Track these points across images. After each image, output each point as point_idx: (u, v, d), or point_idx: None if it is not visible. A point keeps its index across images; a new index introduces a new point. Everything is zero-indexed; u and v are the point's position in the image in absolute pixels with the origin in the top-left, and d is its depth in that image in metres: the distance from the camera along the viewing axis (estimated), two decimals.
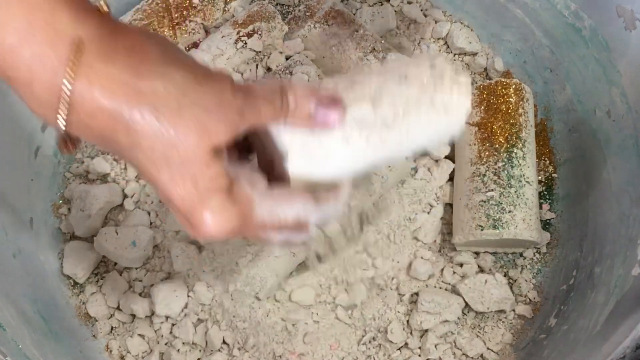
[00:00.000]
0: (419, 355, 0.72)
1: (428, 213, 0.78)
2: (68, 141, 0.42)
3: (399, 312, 0.74)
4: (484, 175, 0.74)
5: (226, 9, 0.88)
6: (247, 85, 0.43)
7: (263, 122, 0.43)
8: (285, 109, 0.43)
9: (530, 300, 0.76)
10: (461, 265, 0.76)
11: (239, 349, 0.70)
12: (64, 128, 0.38)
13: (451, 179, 0.79)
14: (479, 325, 0.75)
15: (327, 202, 0.47)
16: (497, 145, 0.75)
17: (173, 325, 0.72)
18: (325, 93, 0.45)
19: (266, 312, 0.71)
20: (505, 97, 0.77)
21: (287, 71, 0.78)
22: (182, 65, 0.40)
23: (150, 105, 0.38)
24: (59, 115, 0.37)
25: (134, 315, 0.74)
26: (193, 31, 0.84)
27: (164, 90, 0.38)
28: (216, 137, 0.40)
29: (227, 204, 0.42)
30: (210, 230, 0.42)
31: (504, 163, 0.74)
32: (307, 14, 0.85)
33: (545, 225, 0.80)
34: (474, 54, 0.89)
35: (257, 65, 0.83)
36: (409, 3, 0.91)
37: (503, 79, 0.79)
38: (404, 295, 0.75)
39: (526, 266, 0.78)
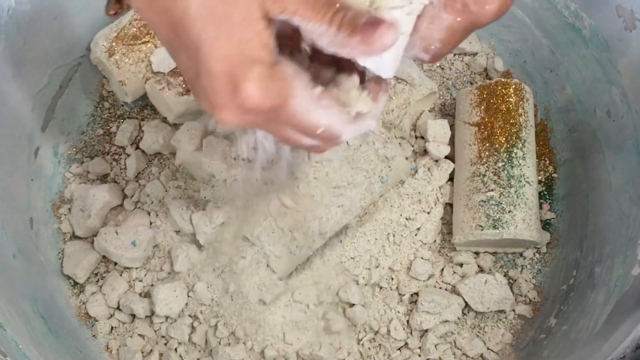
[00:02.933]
0: (419, 355, 0.72)
1: (428, 213, 0.78)
2: (116, 2, 0.42)
3: (399, 312, 0.74)
4: (484, 175, 0.74)
5: None
6: None
7: (311, 15, 0.41)
8: (339, 16, 0.41)
9: (530, 300, 0.76)
10: (461, 265, 0.76)
11: (239, 349, 0.70)
12: None
13: (451, 179, 0.79)
14: (479, 325, 0.75)
15: (363, 121, 0.45)
16: (497, 145, 0.75)
17: (171, 325, 0.72)
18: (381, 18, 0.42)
19: (267, 312, 0.71)
20: (505, 97, 0.77)
21: None
22: None
23: None
24: None
25: (134, 315, 0.74)
26: None
27: None
28: (269, 2, 0.40)
29: (268, 77, 0.40)
30: (245, 99, 0.40)
31: (504, 163, 0.74)
32: None
33: (545, 225, 0.80)
34: (474, 54, 0.89)
35: None
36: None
37: (503, 79, 0.79)
38: (404, 295, 0.75)
39: (526, 266, 0.78)
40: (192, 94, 0.43)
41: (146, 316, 0.73)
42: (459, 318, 0.73)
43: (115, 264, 0.76)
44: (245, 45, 0.40)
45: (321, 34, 0.42)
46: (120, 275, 0.76)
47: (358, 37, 0.41)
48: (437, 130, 0.79)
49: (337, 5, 0.41)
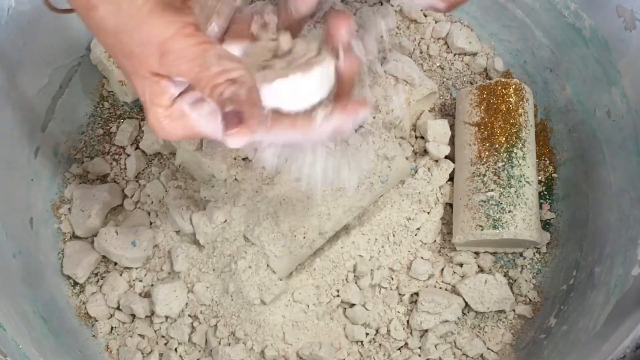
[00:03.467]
0: (419, 355, 0.72)
1: (428, 213, 0.78)
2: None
3: (399, 312, 0.74)
4: (484, 175, 0.74)
5: None
6: (201, 45, 0.44)
7: (193, 83, 0.45)
8: (217, 92, 0.43)
9: (530, 300, 0.76)
10: (461, 265, 0.76)
11: (239, 349, 0.70)
12: None
13: (451, 179, 0.79)
14: (479, 325, 0.75)
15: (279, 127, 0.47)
16: (497, 145, 0.75)
17: (171, 325, 0.72)
18: (252, 113, 0.44)
19: (267, 312, 0.71)
20: (505, 97, 0.77)
21: None
22: None
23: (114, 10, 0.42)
24: None
25: (134, 315, 0.74)
26: None
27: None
28: (151, 67, 0.44)
29: (164, 117, 0.46)
30: (155, 132, 0.47)
31: (504, 163, 0.74)
32: None
33: (545, 225, 0.80)
34: (474, 54, 0.89)
35: None
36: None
37: (503, 79, 0.79)
38: (404, 295, 0.75)
39: (526, 266, 0.78)
40: None
41: (146, 316, 0.73)
42: (459, 318, 0.73)
43: (115, 264, 0.76)
44: (144, 92, 0.45)
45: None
46: (120, 275, 0.75)
47: (222, 120, 0.44)
48: (437, 130, 0.79)
49: (219, 80, 0.43)
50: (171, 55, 0.43)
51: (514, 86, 0.78)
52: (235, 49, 0.48)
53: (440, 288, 0.76)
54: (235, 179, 0.72)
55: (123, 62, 0.45)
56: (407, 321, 0.74)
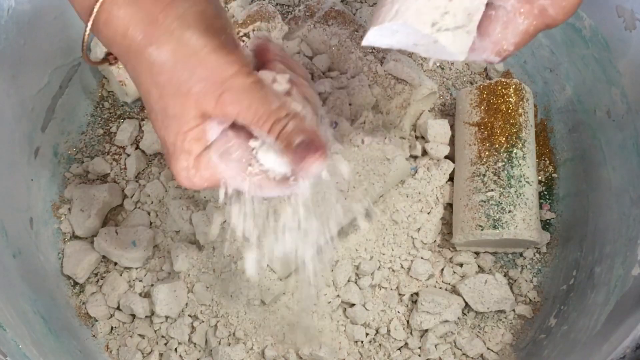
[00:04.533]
0: (419, 355, 0.72)
1: (428, 213, 0.77)
2: (86, 50, 0.48)
3: (399, 312, 0.74)
4: (484, 175, 0.74)
5: (226, 8, 0.88)
6: (259, 83, 0.45)
7: (250, 121, 0.45)
8: (278, 127, 0.45)
9: (530, 300, 0.76)
10: (461, 265, 0.76)
11: (239, 349, 0.70)
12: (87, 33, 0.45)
13: (451, 179, 0.79)
14: (479, 325, 0.75)
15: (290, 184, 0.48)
16: (497, 145, 0.75)
17: (171, 325, 0.72)
18: (321, 141, 0.45)
19: (267, 312, 0.71)
20: (505, 97, 0.77)
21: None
22: (202, 30, 0.43)
23: (165, 53, 0.43)
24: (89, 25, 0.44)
25: (134, 315, 0.74)
26: None
27: (173, 49, 0.43)
28: (206, 108, 0.44)
29: (192, 167, 0.46)
30: (179, 180, 0.47)
31: (504, 163, 0.74)
32: (307, 14, 0.85)
33: (545, 225, 0.80)
34: None
35: None
36: None
37: (503, 79, 0.79)
38: (404, 295, 0.75)
39: (526, 266, 0.78)
40: None
41: (146, 316, 0.73)
42: (459, 318, 0.73)
43: (115, 264, 0.76)
44: (177, 137, 0.45)
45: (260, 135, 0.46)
46: (120, 275, 0.75)
47: (290, 155, 0.45)
48: (437, 130, 0.79)
49: (281, 114, 0.44)
50: (232, 93, 0.44)
51: (514, 86, 0.78)
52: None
53: (440, 288, 0.76)
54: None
55: (170, 102, 0.44)
56: (407, 321, 0.74)
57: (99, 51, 0.78)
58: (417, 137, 0.82)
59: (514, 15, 0.45)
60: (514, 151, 0.75)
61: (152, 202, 0.79)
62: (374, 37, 0.45)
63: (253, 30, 0.82)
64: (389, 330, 0.73)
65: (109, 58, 0.50)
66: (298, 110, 0.46)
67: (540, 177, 0.82)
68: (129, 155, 0.82)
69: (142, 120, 0.84)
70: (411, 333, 0.73)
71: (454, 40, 0.44)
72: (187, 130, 0.45)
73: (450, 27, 0.43)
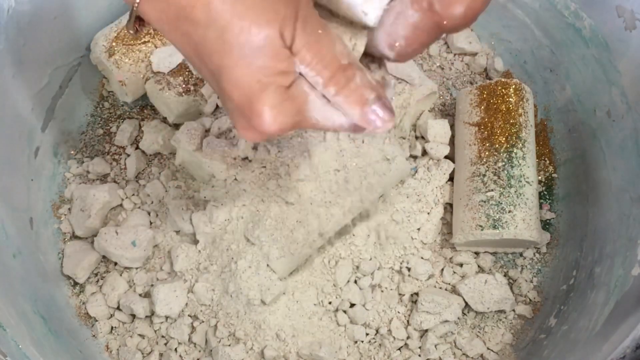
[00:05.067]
0: (419, 355, 0.72)
1: (428, 213, 0.77)
2: (137, 21, 0.44)
3: (399, 312, 0.74)
4: (484, 175, 0.74)
5: None
6: (326, 25, 0.43)
7: (314, 63, 0.42)
8: (343, 78, 0.43)
9: (530, 300, 0.76)
10: (461, 265, 0.76)
11: (239, 349, 0.70)
12: (136, 6, 0.41)
13: (451, 179, 0.79)
14: (479, 325, 0.75)
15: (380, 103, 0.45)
16: (497, 145, 0.75)
17: (171, 325, 0.72)
18: (388, 102, 0.44)
19: (267, 312, 0.71)
20: (505, 97, 0.77)
21: None
22: None
23: None
24: None
25: (134, 315, 0.74)
26: None
27: None
28: (292, 39, 0.41)
29: (285, 99, 0.42)
30: (265, 122, 0.42)
31: (504, 163, 0.74)
32: None
33: (545, 225, 0.80)
34: (474, 54, 0.89)
35: None
36: None
37: (503, 79, 0.79)
38: (404, 295, 0.75)
39: (526, 266, 0.78)
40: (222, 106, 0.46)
41: (146, 316, 0.73)
42: (459, 318, 0.73)
43: (115, 264, 0.76)
44: (262, 73, 0.41)
45: (323, 90, 0.43)
46: (120, 275, 0.75)
47: (359, 111, 0.42)
48: (437, 130, 0.79)
49: (345, 62, 0.42)
50: (312, 22, 0.41)
51: (514, 86, 0.78)
52: None
53: (440, 288, 0.76)
54: (235, 179, 0.72)
55: (252, 33, 0.40)
56: (407, 321, 0.74)
57: (98, 51, 0.78)
58: (417, 137, 0.82)
59: (406, 7, 0.44)
60: (514, 151, 0.75)
61: (152, 202, 0.79)
62: None
63: None
64: (389, 330, 0.73)
65: (136, 25, 0.46)
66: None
67: (540, 177, 0.82)
68: (129, 155, 0.82)
69: (142, 120, 0.84)
70: (411, 333, 0.73)
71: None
72: (273, 62, 0.41)
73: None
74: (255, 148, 0.72)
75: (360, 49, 0.46)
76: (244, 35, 0.40)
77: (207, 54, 0.42)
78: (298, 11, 0.41)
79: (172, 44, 0.45)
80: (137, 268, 0.76)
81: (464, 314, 0.75)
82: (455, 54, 0.89)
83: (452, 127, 0.81)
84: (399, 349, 0.73)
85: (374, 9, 0.44)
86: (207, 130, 0.75)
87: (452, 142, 0.80)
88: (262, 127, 0.43)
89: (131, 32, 0.47)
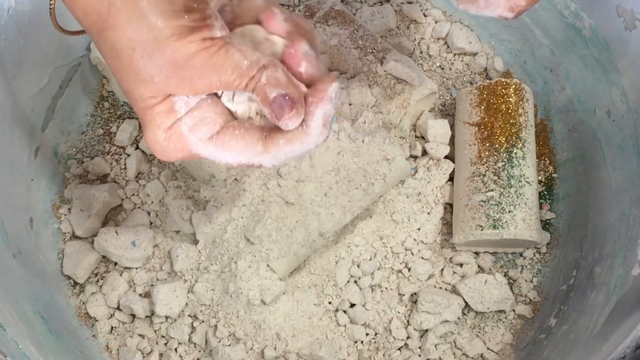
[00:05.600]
0: (419, 355, 0.72)
1: (428, 213, 0.77)
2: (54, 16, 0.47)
3: (399, 312, 0.74)
4: (484, 175, 0.74)
5: None
6: (223, 49, 0.43)
7: (226, 90, 0.45)
8: (252, 82, 0.44)
9: (530, 300, 0.76)
10: (461, 265, 0.76)
11: (239, 349, 0.70)
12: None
13: (451, 179, 0.79)
14: (479, 325, 0.75)
15: (277, 147, 0.46)
16: (497, 145, 0.75)
17: (171, 325, 0.72)
18: (296, 92, 0.44)
19: (267, 312, 0.71)
20: (505, 97, 0.77)
21: None
22: (161, 11, 0.42)
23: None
24: None
25: (134, 315, 0.74)
26: None
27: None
28: (173, 91, 0.44)
29: (164, 139, 0.45)
30: (154, 152, 0.46)
31: (504, 163, 0.74)
32: (307, 14, 0.85)
33: (545, 225, 0.80)
34: (474, 54, 0.89)
35: None
36: (409, 3, 0.91)
37: (503, 79, 0.79)
38: (404, 295, 0.75)
39: (526, 266, 0.78)
40: None
41: (146, 316, 0.73)
42: (459, 318, 0.73)
43: (115, 264, 0.76)
44: (145, 112, 0.45)
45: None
46: (120, 275, 0.75)
47: (268, 109, 0.44)
48: (437, 130, 0.79)
49: (252, 72, 0.43)
50: (197, 71, 0.43)
51: (514, 86, 0.78)
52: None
53: (440, 288, 0.76)
54: (235, 179, 0.72)
55: (133, 85, 0.44)
56: (407, 321, 0.74)
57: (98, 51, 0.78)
58: (417, 137, 0.82)
59: None
60: (514, 151, 0.75)
61: (152, 202, 0.79)
62: None
63: None
64: (389, 330, 0.73)
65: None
66: (277, 49, 0.45)
67: (540, 177, 0.82)
68: (129, 155, 0.82)
69: None
70: (411, 333, 0.73)
71: None
72: (153, 105, 0.44)
73: None
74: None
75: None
76: (125, 83, 0.44)
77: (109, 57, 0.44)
78: (185, 65, 0.43)
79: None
80: (137, 268, 0.76)
81: (464, 314, 0.75)
82: (455, 54, 0.89)
83: (452, 127, 0.81)
84: (399, 349, 0.73)
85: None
86: None
87: (452, 142, 0.80)
88: (155, 155, 0.46)
89: (55, 24, 0.49)
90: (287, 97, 0.43)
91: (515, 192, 0.73)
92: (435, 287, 0.76)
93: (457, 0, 0.51)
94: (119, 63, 0.43)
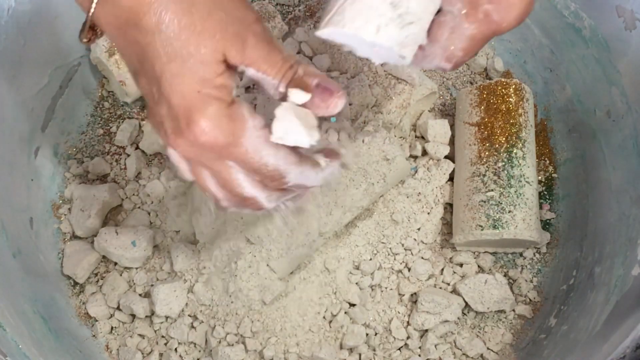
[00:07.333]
0: (419, 355, 0.72)
1: (428, 213, 0.77)
2: (90, 30, 0.46)
3: (399, 312, 0.74)
4: (484, 175, 0.74)
5: None
6: (269, 35, 0.45)
7: (266, 68, 0.45)
8: (290, 73, 0.45)
9: (530, 300, 0.76)
10: (461, 265, 0.76)
11: (239, 349, 0.70)
12: (92, 11, 0.43)
13: (451, 179, 0.79)
14: (479, 325, 0.75)
15: (314, 168, 0.48)
16: (497, 145, 0.75)
17: (171, 325, 0.72)
18: (332, 83, 0.46)
19: (266, 312, 0.71)
20: (505, 97, 0.77)
21: None
22: None
23: None
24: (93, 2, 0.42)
25: (134, 315, 0.74)
26: None
27: None
28: (232, 51, 0.43)
29: (223, 116, 0.43)
30: (199, 134, 0.43)
31: (503, 163, 0.74)
32: (307, 14, 0.85)
33: (545, 225, 0.80)
34: (474, 54, 0.89)
35: None
36: None
37: (503, 79, 0.79)
38: (404, 295, 0.75)
39: (526, 266, 0.78)
40: (149, 117, 0.47)
41: (146, 316, 0.73)
42: (459, 318, 0.73)
43: (115, 264, 0.76)
44: (204, 84, 0.43)
45: (273, 87, 0.46)
46: (120, 275, 0.75)
47: (313, 96, 0.45)
48: (437, 130, 0.79)
49: (291, 61, 0.45)
50: (255, 38, 0.44)
51: (514, 86, 0.78)
52: None
53: (440, 288, 0.76)
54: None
55: (192, 45, 0.42)
56: (407, 321, 0.74)
57: (98, 51, 0.79)
58: (417, 137, 0.82)
59: (461, 20, 0.46)
60: (514, 151, 0.75)
61: (152, 202, 0.79)
62: (326, 35, 0.46)
63: None
64: (389, 330, 0.73)
65: (89, 34, 0.48)
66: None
67: (540, 177, 0.82)
68: (129, 155, 0.82)
69: (142, 120, 0.84)
70: (411, 333, 0.73)
71: (401, 44, 0.45)
72: (214, 75, 0.43)
73: (394, 34, 0.44)
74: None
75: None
76: (190, 48, 0.42)
77: (151, 59, 0.43)
78: (248, 28, 0.43)
79: (117, 49, 0.46)
80: (137, 268, 0.76)
81: (464, 314, 0.75)
82: None
83: (452, 127, 0.81)
84: (399, 349, 0.73)
85: (411, 51, 0.46)
86: None
87: (452, 142, 0.80)
88: (196, 136, 0.43)
89: (84, 40, 0.48)
90: (327, 85, 0.45)
91: (515, 192, 0.73)
92: (435, 287, 0.76)
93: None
94: (176, 44, 0.42)
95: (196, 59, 0.42)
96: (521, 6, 0.45)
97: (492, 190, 0.73)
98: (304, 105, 0.46)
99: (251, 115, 0.45)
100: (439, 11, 0.46)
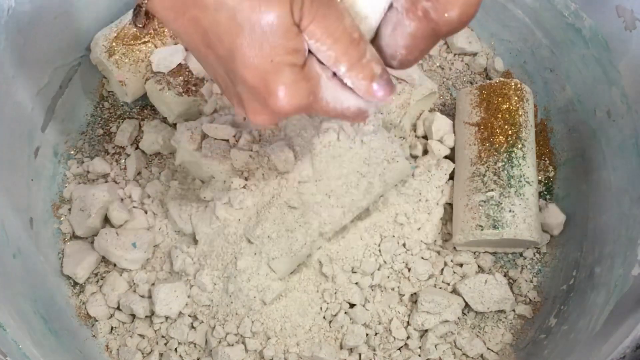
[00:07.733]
0: (419, 355, 0.72)
1: (428, 213, 0.77)
2: (144, 15, 0.45)
3: (399, 312, 0.74)
4: (484, 175, 0.74)
5: None
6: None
7: (326, 40, 0.43)
8: (357, 56, 0.44)
9: (530, 300, 0.76)
10: (461, 265, 0.76)
11: (238, 349, 0.70)
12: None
13: (451, 178, 0.79)
14: (479, 325, 0.75)
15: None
16: (497, 145, 0.75)
17: (171, 325, 0.72)
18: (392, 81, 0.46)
19: (267, 312, 0.71)
20: (505, 97, 0.77)
21: None
22: None
23: None
24: None
25: (134, 315, 0.74)
26: None
27: None
28: (301, 15, 0.41)
29: (300, 79, 0.43)
30: (280, 102, 0.43)
31: (503, 163, 0.74)
32: None
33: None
34: (474, 54, 0.89)
35: None
36: None
37: (503, 79, 0.79)
38: (404, 295, 0.75)
39: (526, 266, 0.78)
40: (227, 98, 0.46)
41: (146, 316, 0.73)
42: (459, 318, 0.73)
43: (115, 264, 0.76)
44: (275, 52, 0.41)
45: (333, 65, 0.44)
46: (120, 275, 0.75)
47: (373, 85, 0.44)
48: (442, 126, 0.80)
49: (355, 35, 0.43)
50: (320, 1, 0.42)
51: (514, 86, 0.78)
52: None
53: (440, 288, 0.76)
54: (235, 179, 0.72)
55: (263, 13, 0.41)
56: (407, 321, 0.74)
57: (98, 51, 0.79)
58: (417, 137, 0.82)
59: (403, 17, 0.45)
60: (514, 151, 0.75)
61: (152, 202, 0.78)
62: None
63: None
64: (389, 330, 0.73)
65: (144, 20, 0.47)
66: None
67: (540, 177, 0.82)
68: (129, 155, 0.82)
69: (142, 120, 0.84)
70: (411, 333, 0.73)
71: None
72: (285, 41, 0.42)
73: None
74: (255, 149, 0.72)
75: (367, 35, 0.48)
76: (255, 15, 0.40)
77: (216, 38, 0.42)
78: None
79: (177, 34, 0.45)
80: (137, 268, 0.76)
81: (464, 314, 0.75)
82: (455, 54, 0.89)
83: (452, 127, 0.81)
84: (399, 349, 0.73)
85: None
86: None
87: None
88: (277, 107, 0.43)
89: (139, 26, 0.47)
90: (388, 77, 0.45)
91: (515, 192, 0.73)
92: (435, 287, 0.76)
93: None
94: (240, 15, 0.41)
95: (262, 26, 0.41)
96: (462, 7, 0.43)
97: (492, 190, 0.73)
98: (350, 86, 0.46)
99: (322, 68, 0.44)
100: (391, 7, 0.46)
